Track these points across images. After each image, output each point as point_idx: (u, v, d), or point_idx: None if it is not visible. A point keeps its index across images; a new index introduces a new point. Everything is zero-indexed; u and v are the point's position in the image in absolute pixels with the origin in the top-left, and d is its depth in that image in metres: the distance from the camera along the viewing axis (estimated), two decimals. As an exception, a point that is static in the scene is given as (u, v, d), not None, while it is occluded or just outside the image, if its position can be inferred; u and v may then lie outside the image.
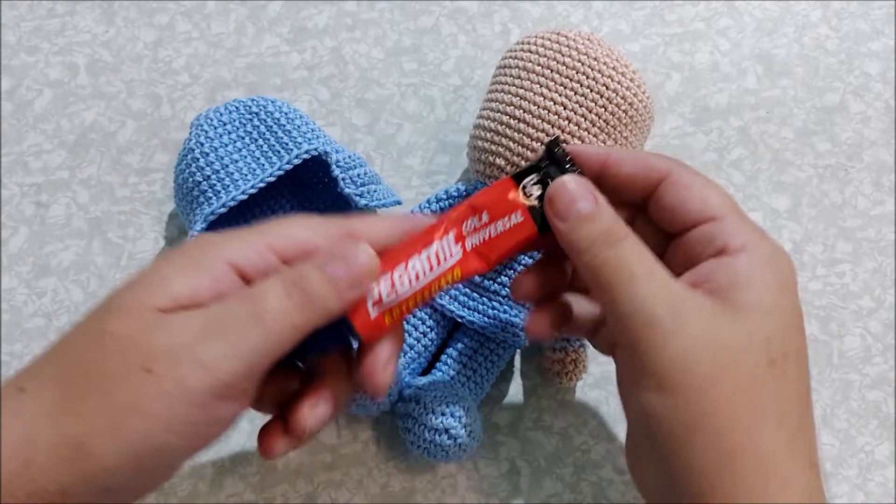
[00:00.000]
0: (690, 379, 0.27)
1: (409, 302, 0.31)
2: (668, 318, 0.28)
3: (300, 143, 0.42)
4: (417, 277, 0.31)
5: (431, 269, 0.31)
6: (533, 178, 0.32)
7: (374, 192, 0.44)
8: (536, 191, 0.32)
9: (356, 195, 0.42)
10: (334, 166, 0.41)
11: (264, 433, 0.32)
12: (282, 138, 0.42)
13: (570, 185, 0.31)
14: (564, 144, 0.33)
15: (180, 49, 0.52)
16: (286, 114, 0.43)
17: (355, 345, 0.32)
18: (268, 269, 0.29)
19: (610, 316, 0.30)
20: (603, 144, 0.40)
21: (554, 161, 0.33)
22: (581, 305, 0.36)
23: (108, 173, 0.48)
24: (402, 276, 0.30)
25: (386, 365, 0.31)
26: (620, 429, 0.43)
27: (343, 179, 0.42)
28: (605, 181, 0.33)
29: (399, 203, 0.45)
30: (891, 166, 0.49)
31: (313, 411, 0.31)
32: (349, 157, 0.43)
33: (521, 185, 0.32)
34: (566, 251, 0.31)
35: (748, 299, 0.29)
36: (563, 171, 0.32)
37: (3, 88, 0.50)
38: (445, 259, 0.31)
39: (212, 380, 0.26)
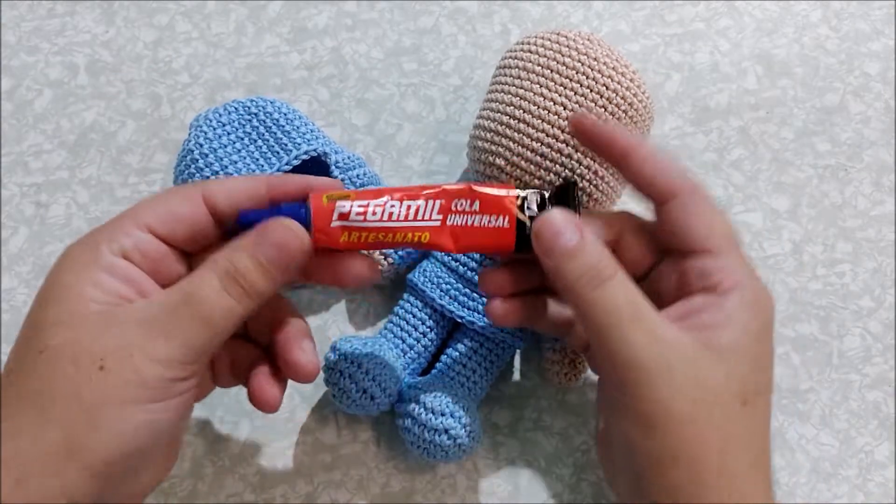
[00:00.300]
0: (672, 418, 0.30)
1: (370, 234, 0.31)
2: (652, 365, 0.30)
3: (299, 144, 0.42)
4: (390, 217, 0.31)
5: (406, 218, 0.31)
6: (537, 196, 0.33)
7: None
8: (533, 210, 0.32)
9: None
10: (334, 167, 0.42)
11: (255, 388, 0.33)
12: (281, 139, 0.42)
13: (556, 218, 0.31)
14: (581, 184, 0.35)
15: (180, 49, 0.52)
16: (285, 114, 0.43)
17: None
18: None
19: (596, 351, 0.32)
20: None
21: (564, 196, 0.33)
22: (553, 307, 0.37)
23: (108, 173, 0.48)
24: (378, 208, 0.31)
25: (303, 345, 0.33)
26: (620, 429, 0.43)
27: (343, 180, 0.42)
28: (624, 171, 0.34)
29: None
30: (891, 166, 0.49)
31: (305, 351, 0.33)
32: (348, 157, 0.43)
33: (524, 196, 0.32)
34: (553, 285, 0.32)
35: (730, 341, 0.31)
36: (568, 206, 0.32)
37: (3, 88, 0.50)
38: (422, 218, 0.32)
39: (165, 370, 0.28)
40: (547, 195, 0.33)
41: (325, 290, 0.46)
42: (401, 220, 0.31)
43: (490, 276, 0.35)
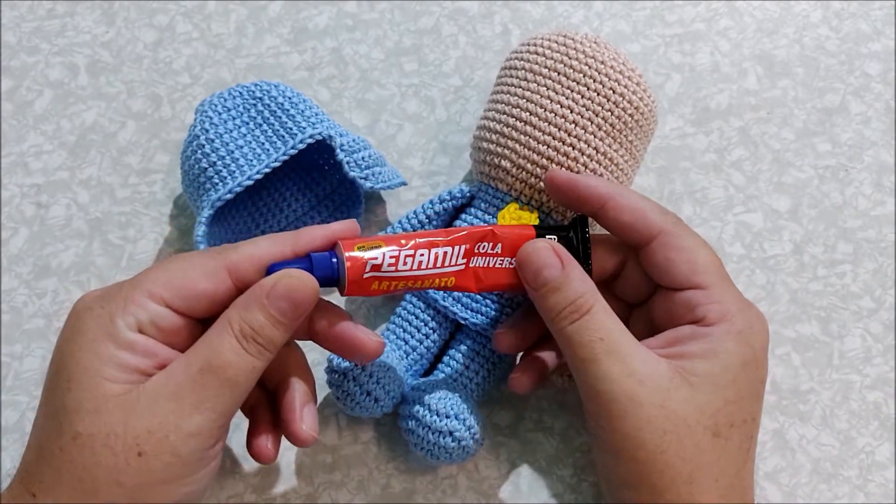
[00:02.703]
0: (641, 449, 0.31)
1: (400, 283, 0.32)
2: (624, 398, 0.31)
3: (304, 128, 0.42)
4: (419, 266, 0.32)
5: (434, 265, 0.33)
6: (553, 237, 0.34)
7: (379, 174, 0.44)
8: None
9: (361, 178, 0.42)
10: (338, 150, 0.42)
11: (255, 444, 0.34)
12: (286, 123, 0.43)
13: (540, 250, 0.32)
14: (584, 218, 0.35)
15: (180, 50, 0.52)
16: (290, 98, 0.43)
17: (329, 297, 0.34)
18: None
19: (576, 381, 0.33)
20: (607, 178, 0.41)
21: (574, 230, 0.35)
22: (549, 356, 0.39)
23: (108, 174, 0.48)
24: (408, 258, 0.32)
25: (303, 410, 0.33)
26: (621, 430, 0.43)
27: (348, 163, 0.42)
28: (602, 221, 0.35)
29: (404, 184, 0.45)
30: (891, 167, 0.49)
31: (305, 420, 0.33)
32: (353, 140, 0.43)
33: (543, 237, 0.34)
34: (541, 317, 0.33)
35: (708, 373, 0.31)
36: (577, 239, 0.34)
37: (3, 89, 0.50)
38: (448, 264, 0.33)
39: (201, 443, 0.28)
40: (563, 231, 0.35)
41: (325, 292, 0.46)
42: (429, 268, 0.33)
43: (501, 339, 0.37)
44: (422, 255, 0.32)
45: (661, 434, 0.30)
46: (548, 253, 0.32)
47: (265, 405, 0.35)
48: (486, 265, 0.34)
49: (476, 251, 0.33)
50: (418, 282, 0.33)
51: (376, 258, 0.32)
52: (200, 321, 0.32)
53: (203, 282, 0.30)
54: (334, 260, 0.32)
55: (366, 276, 0.32)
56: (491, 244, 0.34)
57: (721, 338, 0.32)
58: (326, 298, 0.34)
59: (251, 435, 0.34)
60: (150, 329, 0.29)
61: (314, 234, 0.32)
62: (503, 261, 0.34)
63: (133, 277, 0.31)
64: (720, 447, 0.31)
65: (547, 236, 0.34)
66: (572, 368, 0.33)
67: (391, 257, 0.32)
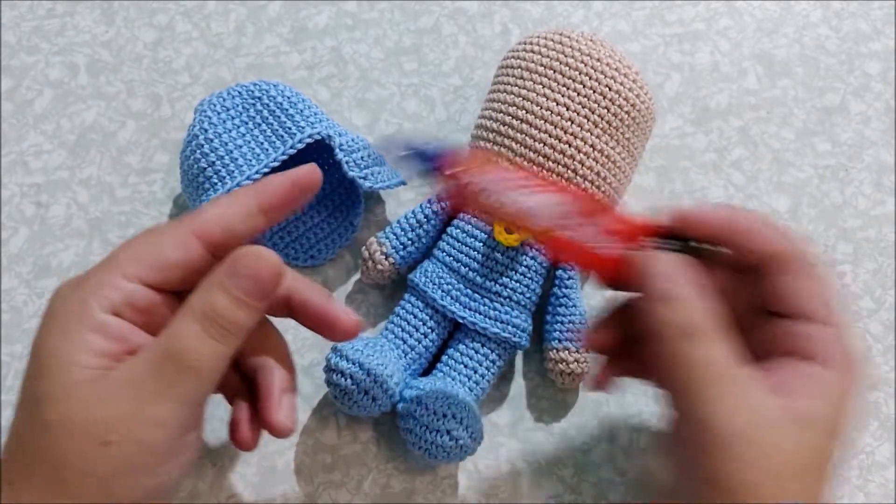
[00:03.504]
0: (739, 486, 0.28)
1: (498, 208, 0.32)
2: (733, 433, 0.28)
3: (303, 127, 0.42)
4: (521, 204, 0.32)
5: (531, 205, 0.32)
6: (660, 242, 0.32)
7: (379, 173, 0.44)
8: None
9: (360, 178, 0.42)
10: (338, 150, 0.42)
11: (236, 432, 0.33)
12: (285, 122, 0.43)
13: (666, 260, 0.31)
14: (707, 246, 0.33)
15: (180, 49, 0.52)
16: (289, 97, 0.43)
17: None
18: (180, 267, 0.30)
19: (673, 406, 0.31)
20: (605, 176, 0.40)
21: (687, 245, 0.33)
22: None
23: (108, 173, 0.48)
24: (504, 195, 0.32)
25: (281, 399, 0.32)
26: (620, 429, 0.43)
27: (347, 162, 0.42)
28: (730, 245, 0.33)
29: (404, 183, 0.45)
30: (891, 167, 0.49)
31: (282, 409, 0.32)
32: (352, 140, 0.43)
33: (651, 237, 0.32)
34: (642, 326, 0.31)
35: (822, 418, 0.29)
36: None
37: (3, 88, 0.50)
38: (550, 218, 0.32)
39: (168, 430, 0.28)
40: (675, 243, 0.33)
41: (307, 273, 0.46)
42: (530, 207, 0.32)
43: (593, 337, 0.35)
44: (515, 194, 0.31)
45: (764, 472, 0.28)
46: (673, 264, 0.30)
47: (245, 394, 0.34)
48: (588, 240, 0.32)
49: (577, 217, 0.32)
50: (522, 217, 0.32)
51: (474, 180, 0.31)
52: (181, 295, 0.31)
53: (174, 251, 0.29)
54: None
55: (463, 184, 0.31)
56: (588, 224, 0.32)
57: (828, 381, 0.30)
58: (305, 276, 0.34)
59: (232, 422, 0.34)
60: (125, 310, 0.29)
61: (275, 183, 0.31)
62: (601, 238, 0.32)
63: (105, 259, 0.30)
64: (817, 490, 0.30)
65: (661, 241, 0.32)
66: (675, 390, 0.30)
67: (485, 183, 0.31)
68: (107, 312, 0.28)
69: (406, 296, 0.43)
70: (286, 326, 0.34)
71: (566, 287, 0.42)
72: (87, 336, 0.28)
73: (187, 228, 0.30)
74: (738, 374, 0.29)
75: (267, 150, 0.42)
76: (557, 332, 0.42)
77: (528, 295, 0.42)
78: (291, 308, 0.33)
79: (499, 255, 0.41)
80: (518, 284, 0.41)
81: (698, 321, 0.29)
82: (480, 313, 0.41)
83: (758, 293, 0.33)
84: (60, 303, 0.29)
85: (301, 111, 0.43)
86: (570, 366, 0.41)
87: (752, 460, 0.28)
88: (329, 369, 0.39)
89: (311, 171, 0.32)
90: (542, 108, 0.40)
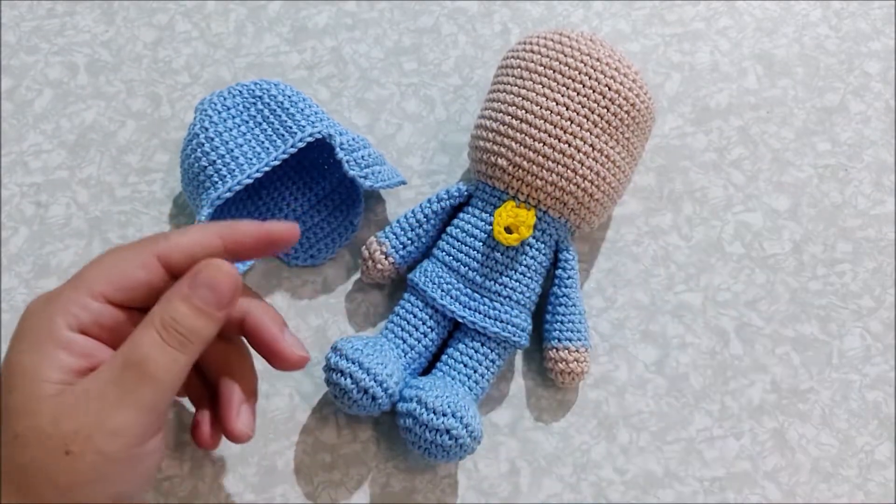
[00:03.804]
0: None
1: None
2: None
3: (304, 127, 0.42)
4: None
5: None
6: None
7: (379, 172, 0.44)
8: None
9: (360, 177, 0.42)
10: (338, 149, 0.42)
11: (197, 431, 0.34)
12: (285, 122, 0.43)
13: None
14: None
15: (180, 49, 0.52)
16: (289, 97, 0.43)
17: None
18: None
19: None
20: (604, 176, 0.40)
21: None
22: None
23: (107, 173, 0.48)
24: None
25: (240, 408, 0.34)
26: (620, 429, 0.43)
27: (347, 161, 0.42)
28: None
29: (404, 183, 0.45)
30: (891, 166, 0.49)
31: (240, 417, 0.34)
32: (353, 139, 0.44)
33: None
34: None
35: None
36: None
37: (2, 88, 0.50)
38: None
39: (127, 440, 0.29)
40: None
41: (325, 290, 0.46)
42: None
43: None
44: None
45: None
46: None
47: (208, 399, 0.35)
48: None
49: None
50: None
51: None
52: (144, 312, 0.32)
53: (137, 271, 0.30)
54: None
55: None
56: None
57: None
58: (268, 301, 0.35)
59: (193, 424, 0.35)
60: (91, 328, 0.30)
61: (246, 231, 0.32)
62: None
63: (73, 277, 0.31)
64: None
65: None
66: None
67: None
68: (73, 330, 0.29)
69: (406, 295, 0.43)
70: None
71: (566, 287, 0.42)
72: (54, 352, 0.29)
73: (150, 251, 0.31)
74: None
75: (267, 149, 0.42)
76: (557, 332, 0.42)
77: (527, 294, 0.42)
78: (244, 330, 0.34)
79: (498, 255, 0.41)
80: (518, 284, 0.41)
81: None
82: (480, 313, 0.41)
83: None
84: (30, 319, 0.30)
85: (301, 110, 0.43)
86: (570, 365, 0.41)
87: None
88: (329, 368, 0.39)
89: (289, 230, 0.33)
90: (541, 107, 0.40)
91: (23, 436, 0.28)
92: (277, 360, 0.34)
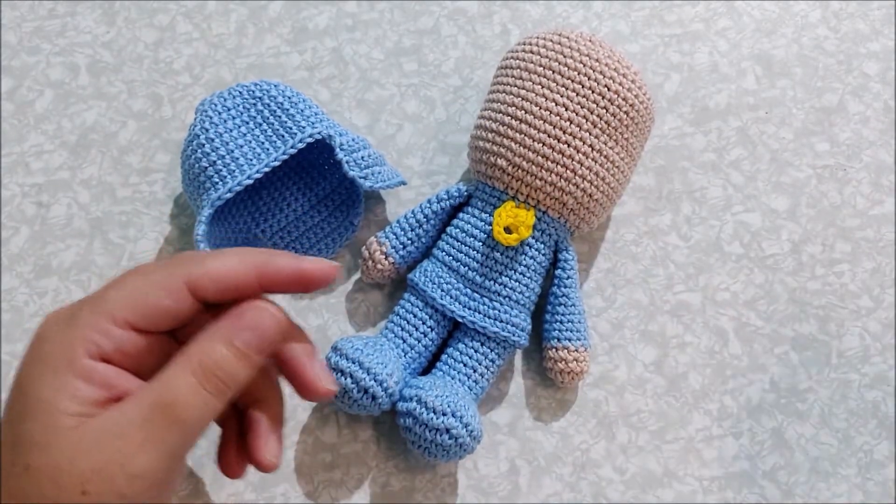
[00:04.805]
0: None
1: None
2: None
3: (304, 127, 0.42)
4: None
5: None
6: None
7: (379, 173, 0.44)
8: None
9: (360, 177, 0.42)
10: (338, 149, 0.42)
11: (224, 460, 0.33)
12: (286, 122, 0.43)
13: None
14: None
15: (181, 49, 0.52)
16: (289, 97, 0.43)
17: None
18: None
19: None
20: (604, 176, 0.40)
21: None
22: None
23: (108, 173, 0.48)
24: None
25: (268, 442, 0.32)
26: (620, 428, 0.43)
27: (347, 162, 0.42)
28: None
29: (403, 183, 0.46)
30: (890, 166, 0.50)
31: (268, 447, 0.32)
32: (353, 139, 0.44)
33: None
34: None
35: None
36: None
37: (4, 89, 0.50)
38: None
39: (149, 484, 0.27)
40: None
41: (325, 290, 0.46)
42: None
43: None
44: None
45: None
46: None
47: (235, 420, 0.34)
48: None
49: None
50: None
51: None
52: (170, 333, 0.30)
53: (164, 299, 0.29)
54: None
55: None
56: None
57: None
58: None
59: (221, 449, 0.33)
60: (113, 356, 0.28)
61: (282, 266, 0.30)
62: None
63: (94, 298, 0.29)
64: None
65: None
66: None
67: None
68: (94, 358, 0.28)
69: (406, 295, 0.43)
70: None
71: (566, 286, 0.43)
72: (73, 382, 0.27)
73: (180, 279, 0.29)
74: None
75: (268, 149, 0.42)
76: (557, 332, 0.42)
77: (527, 294, 0.42)
78: (276, 356, 0.32)
79: (498, 255, 0.41)
80: (517, 284, 0.42)
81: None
82: (480, 312, 0.41)
83: None
84: (47, 343, 0.28)
85: (301, 111, 0.43)
86: (570, 365, 0.42)
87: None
88: (329, 368, 0.39)
89: (325, 271, 0.31)
90: (541, 108, 0.40)
91: (35, 469, 0.26)
92: (304, 390, 0.32)
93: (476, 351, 0.41)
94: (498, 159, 0.41)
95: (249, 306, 0.29)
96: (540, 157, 0.40)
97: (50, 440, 0.27)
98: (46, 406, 0.27)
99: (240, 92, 0.44)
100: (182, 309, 0.29)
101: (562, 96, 0.40)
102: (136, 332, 0.29)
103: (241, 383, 0.29)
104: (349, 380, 0.38)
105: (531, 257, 0.42)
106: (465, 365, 0.41)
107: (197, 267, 0.29)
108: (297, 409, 0.43)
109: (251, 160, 0.42)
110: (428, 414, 0.38)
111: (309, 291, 0.31)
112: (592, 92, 0.40)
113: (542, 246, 0.42)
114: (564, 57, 0.41)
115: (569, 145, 0.40)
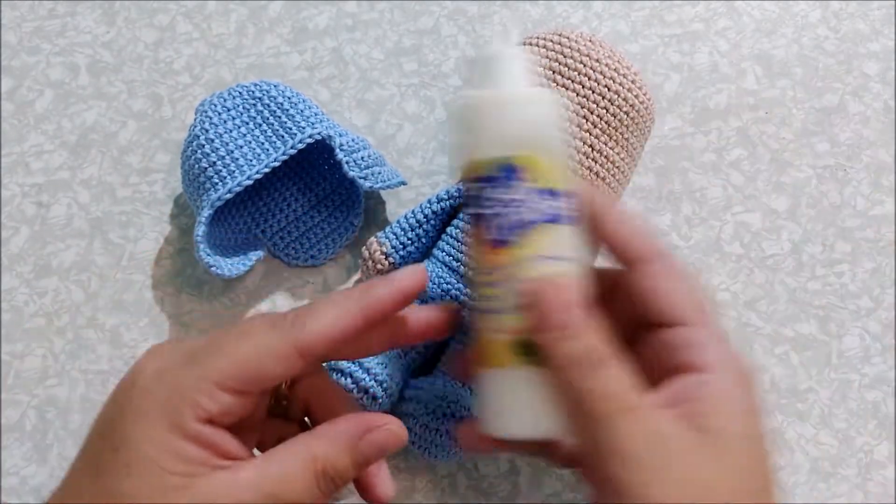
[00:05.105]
0: None
1: None
2: (648, 460, 0.27)
3: (304, 128, 0.42)
4: None
5: None
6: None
7: (379, 174, 0.44)
8: None
9: (360, 178, 0.42)
10: (338, 150, 0.42)
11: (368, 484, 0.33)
12: (285, 123, 0.43)
13: (558, 287, 0.29)
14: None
15: (181, 49, 0.52)
16: (289, 98, 0.43)
17: None
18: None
19: (586, 444, 0.29)
20: (604, 177, 0.40)
21: None
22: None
23: (108, 173, 0.48)
24: None
25: (379, 473, 0.32)
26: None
27: (347, 163, 0.42)
28: (597, 233, 0.32)
29: (404, 184, 0.46)
30: (890, 166, 0.50)
31: (382, 482, 0.32)
32: (352, 140, 0.44)
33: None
34: (545, 363, 0.30)
35: (724, 428, 0.28)
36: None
37: (4, 89, 0.50)
38: None
39: None
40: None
41: (325, 291, 0.46)
42: None
43: (453, 361, 0.34)
44: None
45: (691, 499, 0.27)
46: (565, 291, 0.29)
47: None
48: None
49: None
50: None
51: None
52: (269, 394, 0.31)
53: (275, 368, 0.29)
54: None
55: None
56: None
57: (725, 390, 0.29)
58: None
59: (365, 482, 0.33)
60: (221, 419, 0.28)
61: (381, 297, 0.30)
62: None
63: (200, 357, 0.29)
64: None
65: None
66: (583, 427, 0.28)
67: None
68: (200, 422, 0.28)
69: (406, 295, 0.43)
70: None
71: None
72: (180, 444, 0.28)
73: (291, 346, 0.29)
74: (643, 402, 0.28)
75: (267, 150, 0.42)
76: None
77: (527, 294, 0.42)
78: None
79: (498, 255, 0.41)
80: (517, 284, 0.41)
81: (600, 350, 0.28)
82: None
83: (633, 303, 0.32)
84: (149, 396, 0.28)
85: (301, 111, 0.43)
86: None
87: (672, 487, 0.27)
88: (329, 369, 0.39)
89: (415, 277, 0.31)
90: (541, 108, 0.40)
91: (127, 495, 0.27)
92: (366, 492, 0.32)
93: (476, 351, 0.41)
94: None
95: (378, 423, 0.30)
96: (540, 158, 0.40)
97: (157, 499, 0.27)
98: (153, 464, 0.27)
99: (240, 92, 0.44)
100: (291, 373, 0.29)
101: (562, 96, 0.40)
102: (242, 394, 0.29)
103: (344, 484, 0.30)
104: (349, 380, 0.38)
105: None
106: (465, 365, 0.41)
107: (304, 331, 0.29)
108: (297, 410, 0.43)
109: (251, 160, 0.42)
110: (427, 414, 0.38)
111: (410, 303, 0.31)
112: (592, 92, 0.40)
113: (543, 246, 0.42)
114: (564, 57, 0.41)
115: (569, 145, 0.40)
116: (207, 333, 0.32)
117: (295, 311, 0.30)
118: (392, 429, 0.30)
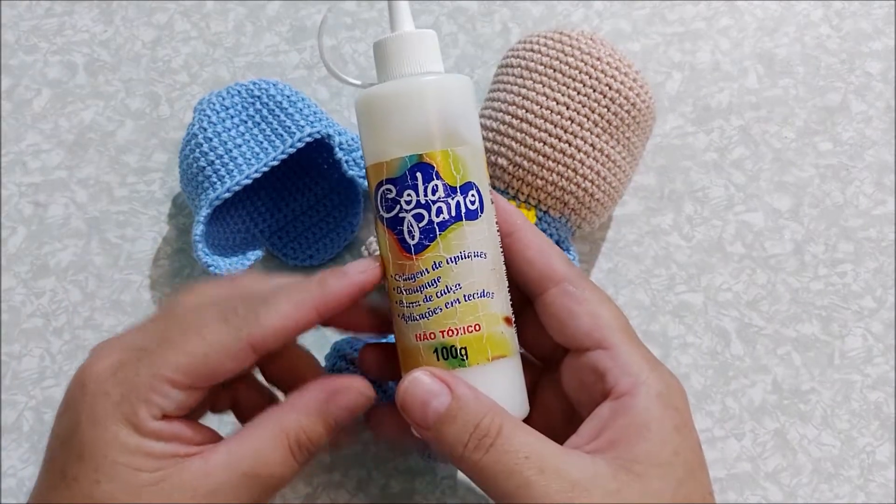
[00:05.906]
0: None
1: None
2: None
3: (302, 127, 0.42)
4: None
5: None
6: None
7: None
8: None
9: (360, 177, 0.42)
10: (337, 149, 0.42)
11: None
12: (284, 122, 0.43)
13: (418, 381, 0.28)
14: None
15: (179, 48, 0.52)
16: (288, 97, 0.43)
17: None
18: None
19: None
20: (605, 176, 0.40)
21: None
22: None
23: (106, 173, 0.48)
24: None
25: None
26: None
27: (346, 161, 0.42)
28: (505, 251, 0.31)
29: None
30: (892, 166, 0.49)
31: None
32: (352, 138, 0.44)
33: None
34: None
35: (648, 453, 0.28)
36: None
37: (1, 88, 0.50)
38: None
39: None
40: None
41: (324, 291, 0.45)
42: None
43: (364, 356, 0.34)
44: None
45: None
46: (429, 381, 0.28)
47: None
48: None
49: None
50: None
51: None
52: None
53: (228, 364, 0.29)
54: None
55: None
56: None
57: (644, 408, 0.28)
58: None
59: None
60: (175, 412, 0.28)
61: (335, 291, 0.30)
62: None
63: (151, 352, 0.29)
64: None
65: None
66: (501, 501, 0.28)
67: None
68: (157, 419, 0.28)
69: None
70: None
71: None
72: (143, 442, 0.28)
73: (245, 342, 0.29)
74: (557, 455, 0.28)
75: (266, 148, 0.42)
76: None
77: (528, 295, 0.42)
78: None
79: (499, 255, 0.41)
80: (518, 284, 0.41)
81: (489, 422, 0.28)
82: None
83: (543, 326, 0.31)
84: (105, 402, 0.28)
85: (300, 110, 0.43)
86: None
87: None
88: (329, 369, 0.39)
89: (372, 267, 0.31)
90: (542, 107, 0.40)
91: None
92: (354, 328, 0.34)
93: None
94: (498, 158, 0.41)
95: (346, 386, 0.30)
96: (541, 157, 0.40)
97: (133, 498, 0.27)
98: (121, 467, 0.27)
99: (238, 91, 0.43)
100: (244, 367, 0.29)
101: (563, 95, 0.40)
102: (195, 389, 0.29)
103: (322, 448, 0.30)
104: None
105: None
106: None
107: (257, 325, 0.29)
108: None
109: (250, 160, 0.41)
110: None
111: (366, 295, 0.31)
112: (594, 91, 0.40)
113: (543, 246, 0.42)
114: (565, 55, 0.41)
115: (570, 144, 0.40)
116: (151, 319, 0.32)
117: (246, 299, 0.30)
118: (359, 388, 0.30)
